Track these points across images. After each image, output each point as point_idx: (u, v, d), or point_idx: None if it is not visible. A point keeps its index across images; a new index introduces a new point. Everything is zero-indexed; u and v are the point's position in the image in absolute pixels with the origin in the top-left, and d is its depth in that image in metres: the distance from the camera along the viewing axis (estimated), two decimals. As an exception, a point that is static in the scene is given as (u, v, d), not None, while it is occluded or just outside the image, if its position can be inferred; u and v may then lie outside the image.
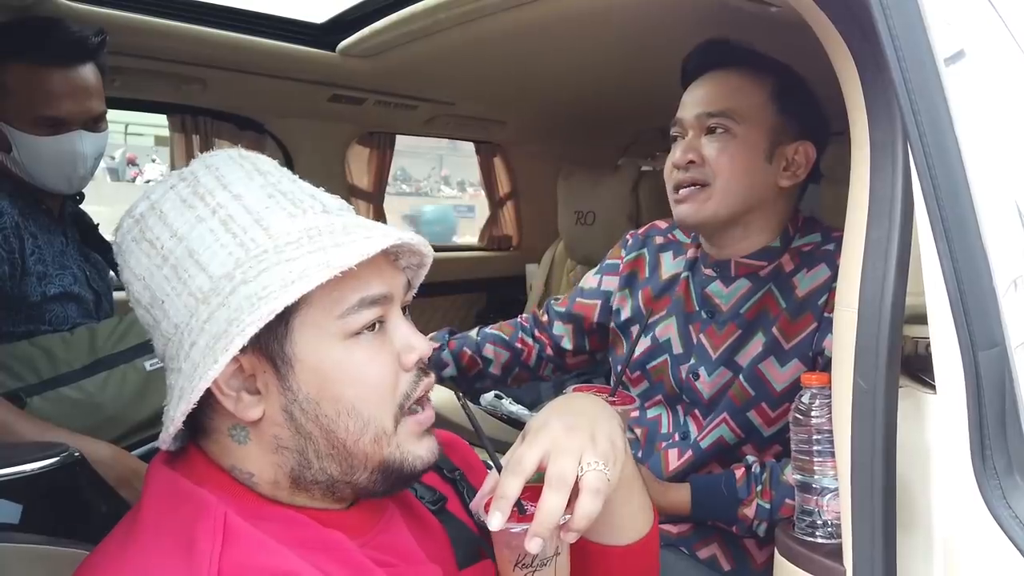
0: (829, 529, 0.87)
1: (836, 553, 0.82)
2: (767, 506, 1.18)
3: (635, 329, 1.39)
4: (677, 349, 1.33)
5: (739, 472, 1.22)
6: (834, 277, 0.95)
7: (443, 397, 1.52)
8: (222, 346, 0.62)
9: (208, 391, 0.64)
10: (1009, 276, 0.76)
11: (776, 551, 0.91)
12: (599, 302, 1.46)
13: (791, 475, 0.92)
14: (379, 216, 2.93)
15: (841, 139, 0.94)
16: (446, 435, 0.89)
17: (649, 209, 2.64)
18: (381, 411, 0.68)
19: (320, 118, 2.49)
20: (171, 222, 0.66)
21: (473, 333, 1.53)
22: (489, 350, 1.50)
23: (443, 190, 20.30)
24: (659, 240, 1.44)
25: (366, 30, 1.93)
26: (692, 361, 1.30)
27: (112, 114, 1.49)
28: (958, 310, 0.71)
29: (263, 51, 2.02)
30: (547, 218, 3.01)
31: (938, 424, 0.76)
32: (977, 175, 0.74)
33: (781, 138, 1.24)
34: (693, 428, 1.31)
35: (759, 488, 1.19)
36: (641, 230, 1.49)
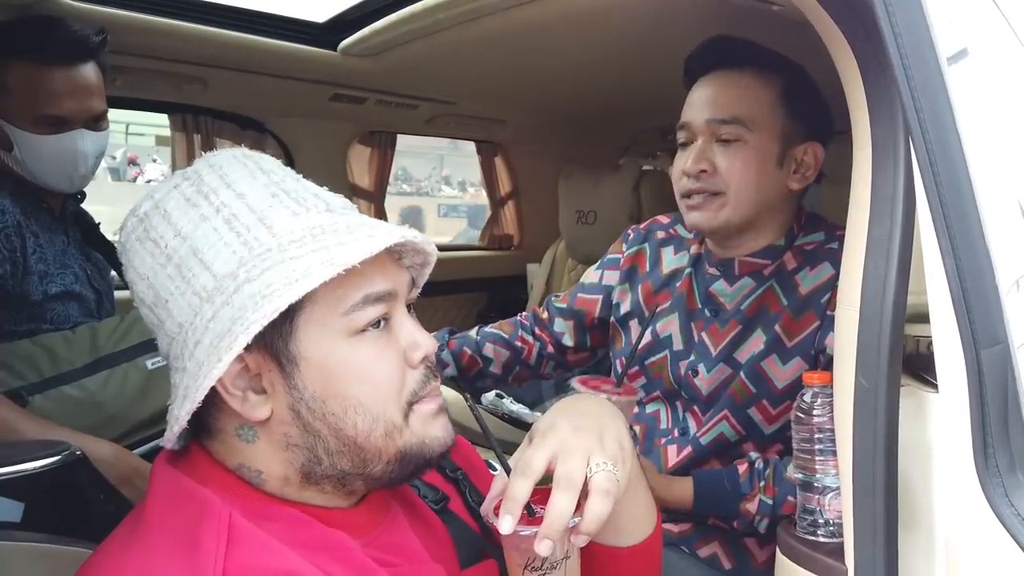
0: (831, 528, 0.87)
1: (838, 552, 0.82)
2: (770, 502, 1.18)
3: (634, 323, 1.39)
4: (677, 345, 1.32)
5: (742, 468, 1.22)
6: (838, 275, 0.95)
7: (446, 397, 1.52)
8: (226, 345, 0.62)
9: (214, 391, 0.64)
10: (1012, 274, 0.76)
11: (777, 550, 0.91)
12: (600, 297, 1.46)
13: (793, 473, 0.92)
14: (380, 216, 2.93)
15: (842, 138, 0.94)
16: None
17: (650, 208, 2.64)
18: (389, 407, 0.68)
19: (321, 117, 2.49)
20: (175, 221, 0.66)
21: (473, 332, 1.53)
22: (489, 349, 1.50)
23: (444, 190, 20.31)
24: (660, 235, 1.44)
25: (367, 29, 1.94)
26: (692, 358, 1.30)
27: (113, 114, 1.49)
28: (960, 308, 0.71)
29: (264, 50, 2.02)
30: (548, 217, 3.01)
31: (940, 422, 0.76)
32: (980, 174, 0.73)
33: (791, 141, 1.23)
34: (692, 424, 1.31)
35: (762, 484, 1.19)
36: (643, 225, 1.49)
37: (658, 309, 1.36)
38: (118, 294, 1.63)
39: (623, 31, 1.77)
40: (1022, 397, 0.74)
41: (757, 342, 1.25)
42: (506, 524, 0.66)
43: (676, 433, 1.32)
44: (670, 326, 1.34)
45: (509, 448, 0.76)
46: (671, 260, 1.40)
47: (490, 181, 3.28)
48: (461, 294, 3.10)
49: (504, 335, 1.51)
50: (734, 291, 1.30)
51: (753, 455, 1.25)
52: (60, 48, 1.37)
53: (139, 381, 1.35)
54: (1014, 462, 0.72)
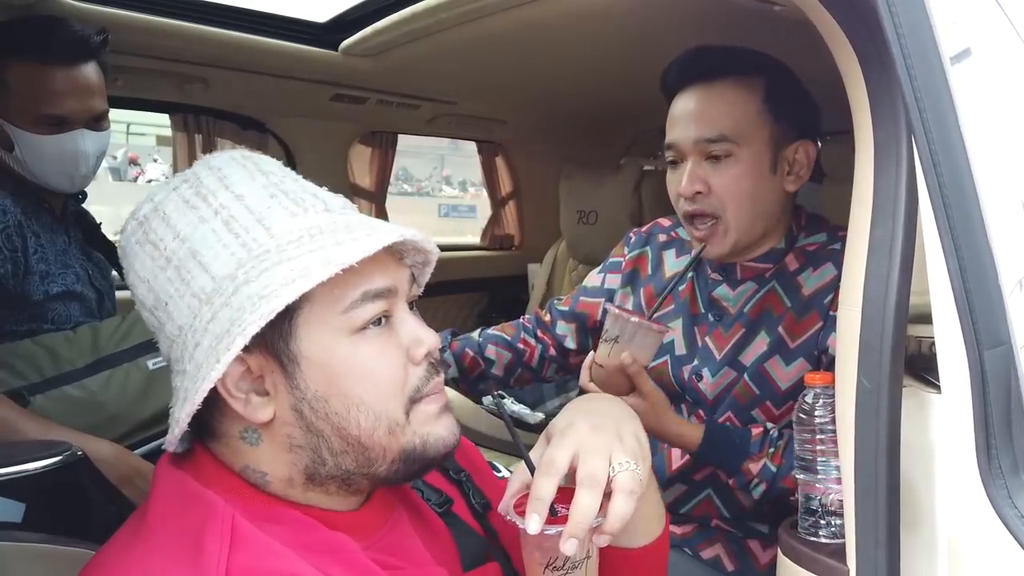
0: (832, 529, 0.87)
1: (840, 553, 0.82)
2: (773, 469, 1.17)
3: None
4: (680, 350, 1.32)
5: (756, 430, 1.20)
6: (840, 276, 0.94)
7: (450, 398, 1.52)
8: (224, 346, 0.62)
9: (217, 394, 0.64)
10: (1015, 274, 0.76)
11: (779, 551, 0.91)
12: (603, 300, 1.45)
13: (795, 474, 0.92)
14: (381, 215, 2.93)
15: (844, 138, 0.94)
16: None
17: (651, 208, 2.63)
18: (392, 404, 0.68)
19: (322, 117, 2.49)
20: (174, 223, 0.66)
21: (475, 334, 1.53)
22: (491, 351, 1.49)
23: (444, 190, 20.31)
24: (662, 238, 1.44)
25: (368, 29, 1.94)
26: (695, 362, 1.30)
27: (114, 114, 1.49)
28: (963, 308, 0.71)
29: (265, 50, 2.02)
30: (549, 218, 3.01)
31: (943, 423, 0.76)
32: (983, 173, 0.73)
33: (781, 144, 1.22)
34: (696, 427, 1.30)
35: (771, 451, 1.18)
36: (644, 228, 1.48)
37: (661, 314, 1.36)
38: (119, 294, 1.63)
39: (624, 31, 1.76)
40: (1025, 398, 0.74)
41: (761, 344, 1.24)
42: (534, 523, 0.65)
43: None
44: (673, 332, 1.33)
45: (509, 447, 0.76)
46: (673, 263, 1.39)
47: (491, 181, 3.28)
48: (462, 294, 3.10)
49: (506, 337, 1.51)
50: (736, 295, 1.29)
51: (770, 424, 1.23)
52: (61, 48, 1.37)
53: (140, 381, 1.35)
54: (1017, 463, 0.72)
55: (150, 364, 1.36)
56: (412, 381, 0.70)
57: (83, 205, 1.59)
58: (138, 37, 1.79)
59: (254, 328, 0.61)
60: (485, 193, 3.41)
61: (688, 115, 1.23)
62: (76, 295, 1.43)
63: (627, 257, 1.45)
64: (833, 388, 0.84)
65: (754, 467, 1.18)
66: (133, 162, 15.51)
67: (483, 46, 1.92)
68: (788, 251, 1.28)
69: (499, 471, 1.66)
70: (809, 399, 0.90)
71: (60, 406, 1.28)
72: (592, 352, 1.22)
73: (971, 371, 0.71)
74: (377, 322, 0.68)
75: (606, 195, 2.72)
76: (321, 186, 0.72)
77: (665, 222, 1.47)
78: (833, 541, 0.86)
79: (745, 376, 1.25)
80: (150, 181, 13.98)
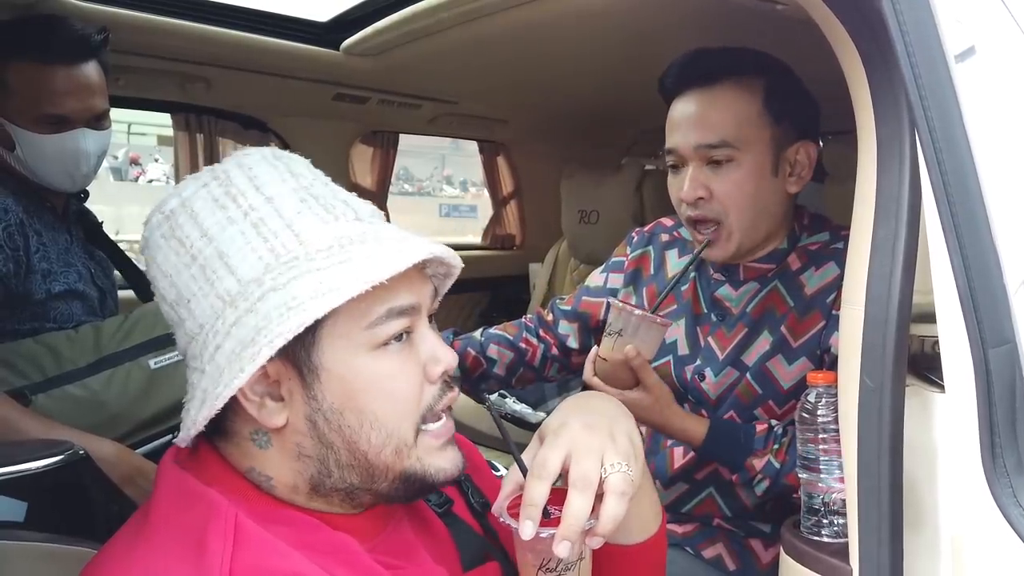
0: (835, 528, 0.86)
1: (842, 552, 0.81)
2: (777, 466, 1.17)
3: None
4: (683, 351, 1.32)
5: (760, 426, 1.20)
6: (843, 275, 0.94)
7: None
8: (249, 355, 0.61)
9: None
10: (1020, 272, 0.76)
11: (782, 550, 0.91)
12: (605, 300, 1.45)
13: (798, 473, 0.92)
14: (382, 215, 2.93)
15: (846, 138, 0.94)
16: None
17: (653, 208, 2.63)
18: (404, 424, 0.68)
19: (324, 117, 2.49)
20: (202, 221, 0.66)
21: (477, 334, 1.53)
22: (493, 351, 1.49)
23: (445, 190, 20.31)
24: (665, 238, 1.44)
25: (369, 29, 1.93)
26: (698, 362, 1.29)
27: (115, 113, 1.49)
28: (968, 306, 0.71)
29: (267, 50, 2.02)
30: (550, 217, 3.01)
31: (946, 423, 0.76)
32: (987, 172, 0.73)
33: (782, 146, 1.22)
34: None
35: (775, 447, 1.18)
36: (647, 227, 1.48)
37: (663, 313, 1.35)
38: (122, 293, 1.64)
39: (625, 30, 1.76)
40: (1030, 397, 0.73)
41: (763, 344, 1.24)
42: (527, 529, 0.65)
43: (682, 435, 1.32)
44: (676, 331, 1.33)
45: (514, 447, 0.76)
46: (675, 263, 1.39)
47: (492, 181, 3.28)
48: (463, 294, 3.10)
49: (508, 337, 1.51)
50: (739, 295, 1.29)
51: (774, 421, 1.23)
52: (62, 47, 1.37)
53: (142, 380, 1.35)
54: (1022, 461, 0.72)
55: (152, 363, 1.36)
56: (426, 399, 0.70)
57: (85, 205, 1.60)
58: (140, 36, 1.79)
59: (281, 340, 0.61)
60: (486, 193, 3.41)
61: (688, 120, 1.22)
62: (78, 294, 1.43)
63: (630, 256, 1.45)
64: (836, 387, 0.84)
65: (758, 463, 1.18)
66: (134, 162, 15.51)
67: (484, 46, 1.92)
68: (790, 251, 1.27)
69: (498, 471, 1.66)
70: (812, 398, 0.89)
71: (62, 405, 1.28)
72: (595, 346, 1.22)
73: (975, 370, 0.71)
74: (398, 337, 0.68)
75: (607, 195, 2.72)
76: None
77: (668, 222, 1.46)
78: (836, 540, 0.85)
79: (747, 376, 1.25)
80: (151, 181, 14.00)
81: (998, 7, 0.88)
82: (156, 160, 14.90)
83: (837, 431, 0.84)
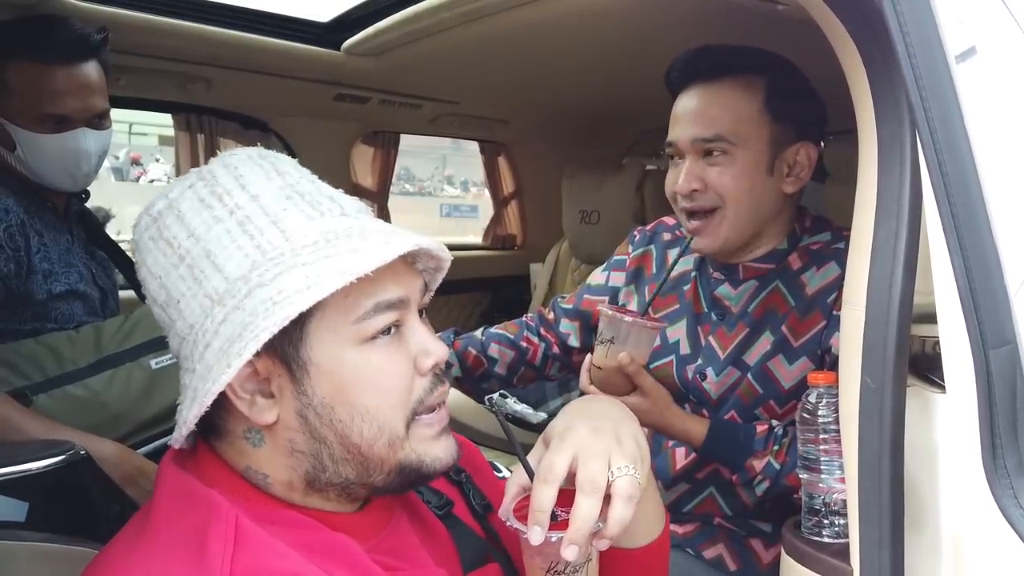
0: (836, 528, 0.86)
1: (843, 552, 0.81)
2: (777, 467, 1.17)
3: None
4: (684, 350, 1.32)
5: (760, 427, 1.20)
6: (844, 275, 0.95)
7: (452, 398, 1.52)
8: (236, 350, 0.61)
9: (222, 393, 0.63)
10: (1021, 273, 0.76)
11: (783, 551, 0.91)
12: (607, 298, 1.45)
13: (799, 473, 0.92)
14: (383, 215, 2.93)
15: (847, 138, 0.94)
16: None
17: (654, 208, 2.63)
18: (394, 416, 0.68)
19: (325, 117, 2.49)
20: (188, 222, 0.66)
21: (478, 333, 1.53)
22: (494, 350, 1.49)
23: (446, 190, 20.31)
24: (666, 236, 1.44)
25: (371, 29, 1.93)
26: (699, 362, 1.29)
27: (116, 113, 1.49)
28: (968, 307, 0.71)
29: (268, 50, 2.02)
30: (551, 217, 3.01)
31: (947, 423, 0.76)
32: (988, 172, 0.73)
33: (781, 145, 1.22)
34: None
35: (776, 448, 1.18)
36: (649, 226, 1.48)
37: (664, 313, 1.36)
38: (123, 293, 1.64)
39: (626, 30, 1.76)
40: (1030, 397, 0.73)
41: (765, 343, 1.24)
42: (536, 535, 0.65)
43: (684, 435, 1.31)
44: (678, 332, 1.33)
45: (509, 447, 0.76)
46: (678, 262, 1.39)
47: (493, 181, 3.28)
48: (464, 294, 3.10)
49: (509, 336, 1.51)
50: (739, 294, 1.29)
51: (774, 422, 1.23)
52: (62, 47, 1.37)
53: (143, 381, 1.35)
54: (1023, 463, 0.72)
55: (153, 363, 1.36)
56: (416, 392, 0.70)
57: (86, 205, 1.60)
58: (140, 37, 1.79)
59: (267, 335, 0.61)
60: (487, 193, 3.41)
61: (688, 114, 1.23)
62: (79, 294, 1.43)
63: (631, 255, 1.45)
64: (836, 388, 0.84)
65: (758, 464, 1.18)
66: (135, 162, 15.51)
67: (485, 46, 1.92)
68: (791, 251, 1.27)
69: (499, 471, 1.66)
70: (812, 399, 0.89)
71: (63, 406, 1.29)
72: (589, 355, 1.22)
73: (976, 370, 0.71)
74: (387, 331, 0.67)
75: (608, 195, 2.72)
76: None
77: (670, 221, 1.46)
78: (837, 541, 0.85)
79: (749, 375, 1.25)
80: (152, 181, 13.99)
81: (999, 7, 0.88)
82: (157, 160, 14.89)
83: (838, 431, 0.84)
